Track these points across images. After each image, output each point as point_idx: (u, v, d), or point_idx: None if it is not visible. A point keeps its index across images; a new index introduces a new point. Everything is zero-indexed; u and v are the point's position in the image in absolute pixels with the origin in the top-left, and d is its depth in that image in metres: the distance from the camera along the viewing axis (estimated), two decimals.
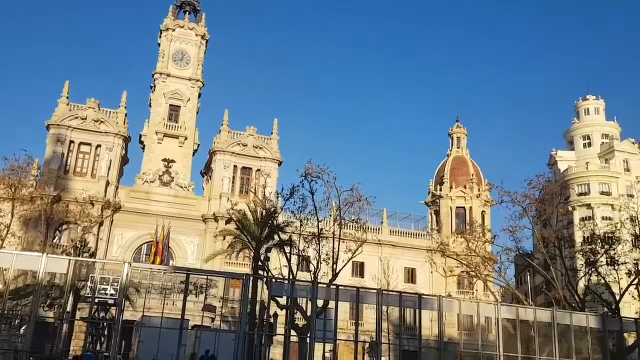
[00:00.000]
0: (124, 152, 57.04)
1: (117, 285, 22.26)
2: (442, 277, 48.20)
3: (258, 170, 57.45)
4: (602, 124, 78.40)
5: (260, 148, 58.59)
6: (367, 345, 39.68)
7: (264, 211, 38.15)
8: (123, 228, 53.05)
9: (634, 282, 35.44)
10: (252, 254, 38.49)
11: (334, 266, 34.13)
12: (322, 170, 34.50)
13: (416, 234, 61.57)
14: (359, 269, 56.28)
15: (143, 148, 60.29)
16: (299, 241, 36.54)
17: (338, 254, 34.79)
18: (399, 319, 38.70)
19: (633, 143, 76.42)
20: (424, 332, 27.69)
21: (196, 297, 44.48)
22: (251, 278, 26.90)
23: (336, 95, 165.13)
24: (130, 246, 52.88)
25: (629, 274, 35.92)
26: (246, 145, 58.23)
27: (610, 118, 79.27)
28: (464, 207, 63.02)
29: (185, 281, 23.98)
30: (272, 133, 60.03)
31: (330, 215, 38.90)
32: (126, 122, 57.00)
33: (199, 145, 61.30)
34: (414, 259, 58.55)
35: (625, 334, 31.54)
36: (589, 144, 77.69)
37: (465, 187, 63.86)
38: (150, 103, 61.52)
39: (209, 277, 35.23)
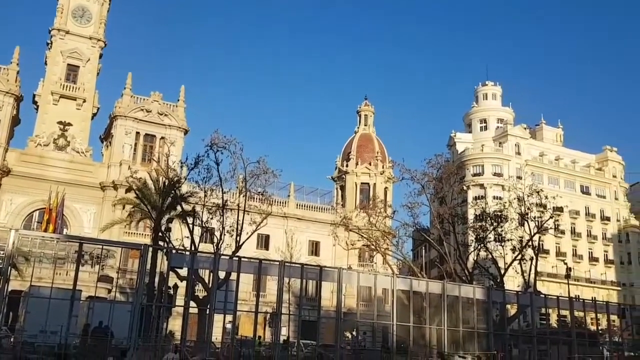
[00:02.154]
0: (15, 112, 53.27)
1: (2, 253, 20.85)
2: (345, 250, 49.28)
3: (162, 138, 55.49)
4: (498, 109, 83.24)
5: (166, 115, 56.65)
6: (268, 316, 40.09)
7: (167, 180, 37.04)
8: (13, 193, 49.74)
9: (517, 258, 37.99)
10: (152, 224, 37.40)
11: (238, 238, 33.94)
12: (229, 140, 33.78)
13: (321, 208, 62.67)
14: (264, 242, 56.56)
15: (37, 109, 56.46)
16: (203, 212, 35.92)
17: (242, 226, 34.57)
18: (300, 290, 39.38)
19: (525, 129, 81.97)
20: (324, 303, 28.38)
21: (92, 267, 42.85)
22: (150, 249, 26.11)
23: (247, 67, 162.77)
24: (21, 212, 49.78)
25: (513, 250, 38.45)
26: (150, 112, 56.10)
27: (506, 104, 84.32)
28: (368, 183, 64.83)
29: (78, 250, 22.94)
30: (178, 100, 58.20)
31: (236, 187, 38.47)
32: (18, 79, 53.09)
33: (98, 108, 58.32)
34: (318, 232, 59.61)
35: (508, 306, 33.91)
36: (485, 128, 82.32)
37: (370, 164, 65.57)
38: (46, 61, 57.55)
39: (104, 247, 33.74)
